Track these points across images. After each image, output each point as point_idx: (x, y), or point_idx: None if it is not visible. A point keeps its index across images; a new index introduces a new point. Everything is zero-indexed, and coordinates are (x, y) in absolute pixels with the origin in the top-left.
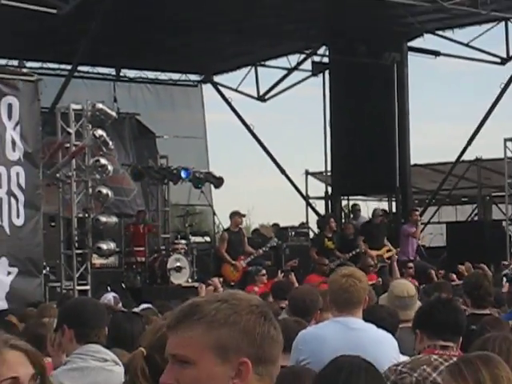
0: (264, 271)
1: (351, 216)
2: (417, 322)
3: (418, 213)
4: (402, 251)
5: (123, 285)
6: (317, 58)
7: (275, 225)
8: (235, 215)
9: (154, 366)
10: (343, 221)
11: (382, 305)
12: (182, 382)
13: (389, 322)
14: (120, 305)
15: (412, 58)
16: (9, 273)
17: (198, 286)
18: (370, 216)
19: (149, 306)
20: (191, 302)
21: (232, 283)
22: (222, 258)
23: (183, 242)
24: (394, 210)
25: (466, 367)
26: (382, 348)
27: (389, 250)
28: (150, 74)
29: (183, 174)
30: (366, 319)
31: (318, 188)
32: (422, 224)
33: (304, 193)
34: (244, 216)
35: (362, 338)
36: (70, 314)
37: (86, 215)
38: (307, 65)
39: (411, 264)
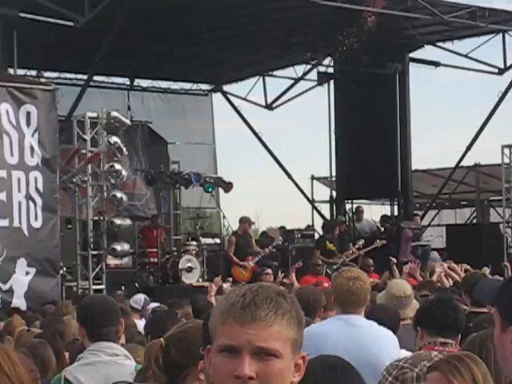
0: (269, 271)
1: (354, 218)
2: (418, 320)
3: (418, 218)
4: (402, 253)
5: (136, 284)
6: (322, 69)
7: (282, 227)
8: (245, 222)
9: (168, 357)
10: (347, 223)
11: (383, 304)
12: (265, 374)
13: (390, 321)
14: (150, 306)
15: (413, 68)
16: (27, 273)
17: (208, 285)
18: (373, 218)
19: (157, 304)
20: (265, 295)
21: (243, 283)
22: (231, 260)
23: (194, 243)
24: (395, 213)
25: (460, 364)
26: (383, 345)
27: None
28: (163, 84)
29: (194, 179)
30: (368, 317)
31: (323, 192)
32: (422, 226)
33: (310, 197)
34: (253, 224)
35: (363, 335)
36: (80, 312)
37: (101, 218)
38: (313, 75)
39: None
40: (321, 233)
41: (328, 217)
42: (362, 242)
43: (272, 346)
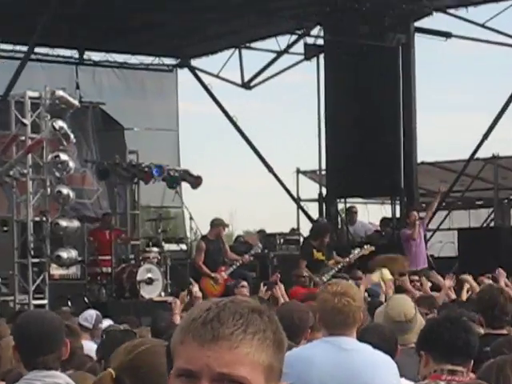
0: (244, 283)
1: (348, 220)
2: (421, 343)
3: (415, 213)
4: (410, 261)
5: (86, 299)
6: (310, 40)
7: (261, 231)
8: (218, 225)
9: None
10: (339, 227)
11: (378, 324)
12: None
13: (386, 344)
14: (102, 324)
15: (420, 40)
16: None
17: (172, 300)
18: (370, 221)
19: (110, 322)
20: (233, 310)
21: (213, 298)
22: (200, 270)
23: (155, 250)
24: (397, 214)
25: None
26: (380, 372)
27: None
28: (118, 57)
29: (156, 173)
30: (360, 340)
31: (310, 189)
32: (430, 231)
33: (295, 194)
34: (227, 226)
35: (355, 360)
36: (15, 334)
37: (44, 219)
38: (299, 47)
39: (415, 277)
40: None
41: (319, 220)
42: (357, 250)
43: (237, 372)
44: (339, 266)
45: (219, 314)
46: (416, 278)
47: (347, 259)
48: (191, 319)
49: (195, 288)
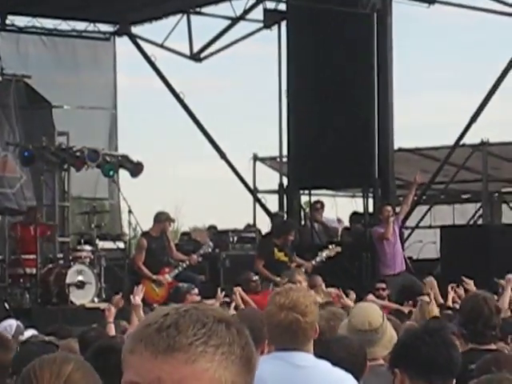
0: (196, 290)
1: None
2: (396, 359)
3: (389, 208)
4: (383, 263)
5: (6, 305)
6: (270, 5)
7: (212, 227)
8: (163, 220)
9: None
10: (302, 223)
11: (344, 336)
12: None
13: (354, 358)
14: (23, 336)
15: (397, 5)
16: None
17: (106, 307)
18: (338, 216)
19: (34, 333)
20: (196, 318)
21: (155, 304)
22: (140, 272)
23: (88, 248)
24: (370, 209)
25: None
26: None
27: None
28: (46, 23)
29: (89, 158)
30: (323, 353)
31: (269, 178)
32: (408, 228)
33: (251, 185)
34: (173, 221)
35: (311, 378)
36: None
37: None
38: (257, 13)
39: (382, 284)
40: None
41: (281, 216)
42: (325, 253)
43: None
44: (302, 270)
45: (178, 321)
46: (381, 285)
47: (313, 262)
48: (145, 325)
49: (136, 297)
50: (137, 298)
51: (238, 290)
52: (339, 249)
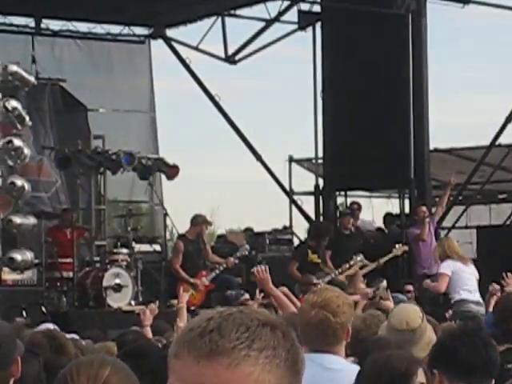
0: (247, 296)
1: None
2: (434, 360)
3: (424, 208)
4: (419, 264)
5: (43, 308)
6: (305, 6)
7: (248, 229)
8: (200, 223)
9: None
10: (338, 224)
11: (382, 336)
12: None
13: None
14: None
15: (432, 6)
16: None
17: (141, 311)
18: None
19: (74, 336)
20: (239, 322)
21: (192, 308)
22: (177, 275)
23: (124, 251)
24: (407, 209)
25: None
26: None
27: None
28: (81, 27)
29: (125, 161)
30: (361, 355)
31: (305, 180)
32: (444, 229)
33: (287, 186)
34: (210, 224)
35: (338, 382)
36: None
37: None
38: (292, 15)
39: (409, 286)
40: (302, 236)
41: (312, 214)
42: (360, 257)
43: None
44: (339, 271)
45: (221, 325)
46: (409, 287)
47: (347, 265)
48: (188, 329)
49: (181, 299)
50: (182, 300)
51: (283, 289)
52: (406, 248)
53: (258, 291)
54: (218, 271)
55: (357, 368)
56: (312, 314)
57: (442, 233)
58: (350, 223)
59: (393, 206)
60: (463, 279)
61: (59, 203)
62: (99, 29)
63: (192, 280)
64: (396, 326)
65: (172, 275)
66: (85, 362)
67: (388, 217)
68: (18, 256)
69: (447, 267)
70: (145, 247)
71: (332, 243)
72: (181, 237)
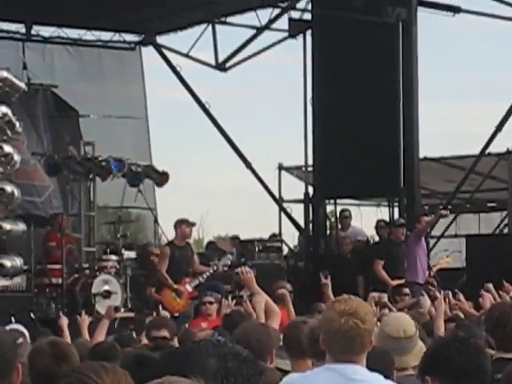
0: (211, 298)
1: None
2: (426, 366)
3: (428, 219)
4: (409, 271)
5: (32, 315)
6: (295, 14)
7: (236, 237)
8: (181, 224)
9: None
10: (327, 233)
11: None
12: None
13: (381, 365)
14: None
15: (423, 15)
16: None
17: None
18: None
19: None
20: None
21: (176, 314)
22: (162, 280)
23: (114, 258)
24: (396, 217)
25: None
26: None
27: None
28: (72, 33)
29: (115, 167)
30: None
31: (295, 188)
32: (434, 238)
33: (276, 194)
34: (194, 225)
35: None
36: None
37: None
38: (282, 23)
39: (406, 290)
40: (291, 244)
41: (302, 222)
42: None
43: None
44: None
45: None
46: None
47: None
48: None
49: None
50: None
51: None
52: (449, 259)
53: (230, 297)
54: (201, 279)
55: (380, 377)
56: (342, 322)
57: (432, 241)
58: (404, 234)
59: (382, 214)
60: None
61: (51, 208)
62: (90, 35)
63: (176, 286)
64: (392, 333)
65: (158, 280)
66: (86, 369)
67: (380, 223)
68: (7, 262)
69: None
70: (134, 254)
71: (384, 252)
72: (169, 243)
